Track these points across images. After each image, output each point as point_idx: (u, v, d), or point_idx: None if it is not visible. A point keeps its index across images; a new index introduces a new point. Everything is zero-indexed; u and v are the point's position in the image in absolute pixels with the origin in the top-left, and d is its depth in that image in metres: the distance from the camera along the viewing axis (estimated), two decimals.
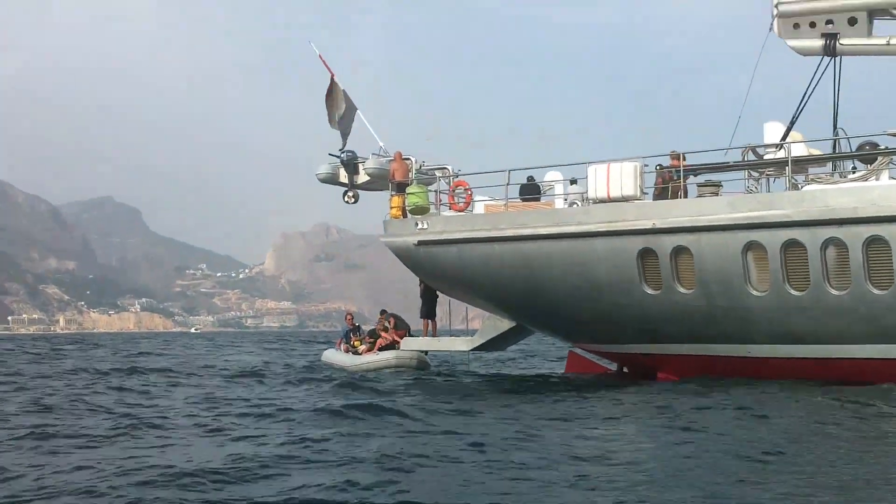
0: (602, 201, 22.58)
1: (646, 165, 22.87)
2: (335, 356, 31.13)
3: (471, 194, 25.57)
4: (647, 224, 21.73)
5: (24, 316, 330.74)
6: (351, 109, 29.03)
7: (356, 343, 30.52)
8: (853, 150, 22.20)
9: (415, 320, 30.38)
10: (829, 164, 23.12)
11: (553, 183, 24.86)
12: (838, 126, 23.30)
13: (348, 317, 33.54)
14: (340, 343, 31.51)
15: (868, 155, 21.39)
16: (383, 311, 31.02)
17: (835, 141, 22.98)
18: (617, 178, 22.23)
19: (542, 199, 25.29)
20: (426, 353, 28.97)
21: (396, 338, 29.21)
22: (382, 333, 29.64)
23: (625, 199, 22.31)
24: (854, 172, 21.80)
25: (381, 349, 29.25)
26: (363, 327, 31.55)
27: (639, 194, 22.33)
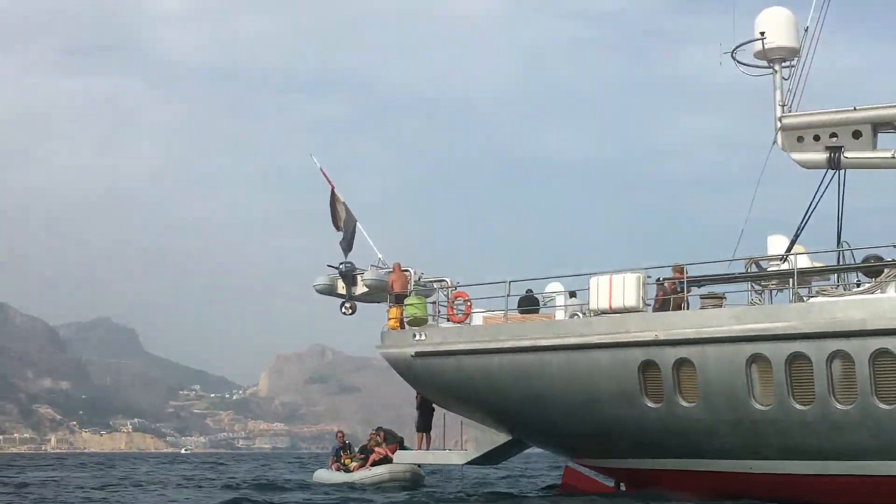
0: (603, 313, 22.29)
1: (648, 277, 22.66)
2: (327, 475, 30.44)
3: (470, 305, 25.34)
4: (650, 336, 21.39)
5: (15, 435, 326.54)
6: (351, 221, 28.98)
7: (346, 461, 29.89)
8: (857, 262, 22.04)
9: (408, 440, 29.83)
10: (833, 278, 22.92)
11: (553, 294, 24.57)
12: (842, 239, 23.13)
13: (339, 434, 33.00)
14: (332, 463, 30.84)
15: (874, 267, 21.21)
16: (377, 428, 30.47)
17: (839, 253, 22.82)
18: (619, 289, 22.00)
19: (542, 311, 25.05)
20: (420, 466, 28.30)
21: (389, 453, 28.59)
22: (376, 448, 29.04)
23: (627, 311, 22.01)
24: (859, 286, 21.60)
25: (374, 464, 28.60)
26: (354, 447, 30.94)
27: (641, 306, 22.05)
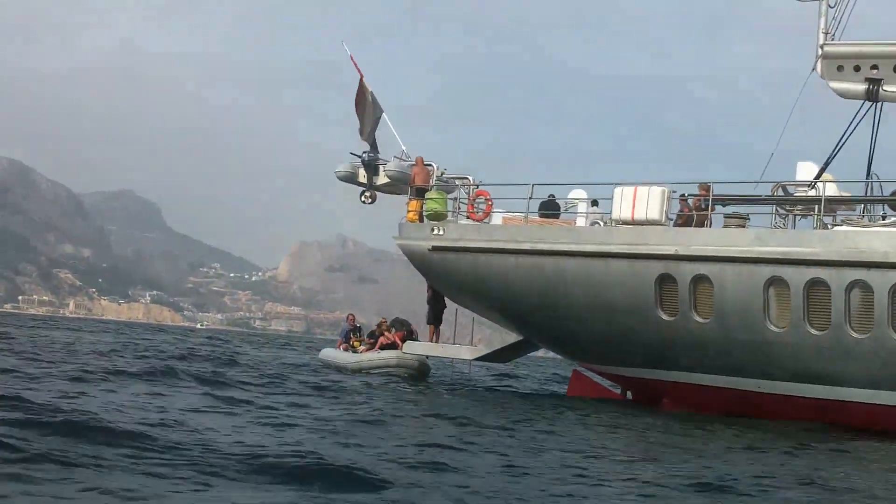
0: (625, 223, 22.11)
1: (673, 192, 22.43)
2: (333, 354, 30.69)
3: (490, 205, 25.17)
4: (670, 249, 21.23)
5: (34, 297, 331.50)
6: (378, 111, 28.66)
7: (355, 343, 30.08)
8: (885, 195, 21.77)
9: (421, 333, 29.93)
10: (859, 209, 22.68)
11: (577, 201, 24.34)
12: (872, 171, 22.98)
13: (350, 316, 33.12)
14: (340, 344, 31.05)
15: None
16: (383, 320, 30.59)
17: (867, 184, 22.57)
18: (643, 201, 21.80)
19: (562, 218, 24.89)
20: (427, 357, 28.49)
21: (397, 339, 28.76)
22: (385, 333, 29.21)
23: (648, 223, 21.83)
24: (884, 219, 21.36)
25: (382, 348, 28.78)
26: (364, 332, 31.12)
27: (663, 219, 21.85)
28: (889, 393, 19.58)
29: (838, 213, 22.07)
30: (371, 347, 29.22)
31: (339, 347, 30.99)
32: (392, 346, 28.76)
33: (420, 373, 28.37)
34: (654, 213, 21.76)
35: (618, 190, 22.39)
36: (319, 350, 34.28)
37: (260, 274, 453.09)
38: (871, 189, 22.50)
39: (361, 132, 28.50)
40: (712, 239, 21.17)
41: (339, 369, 28.66)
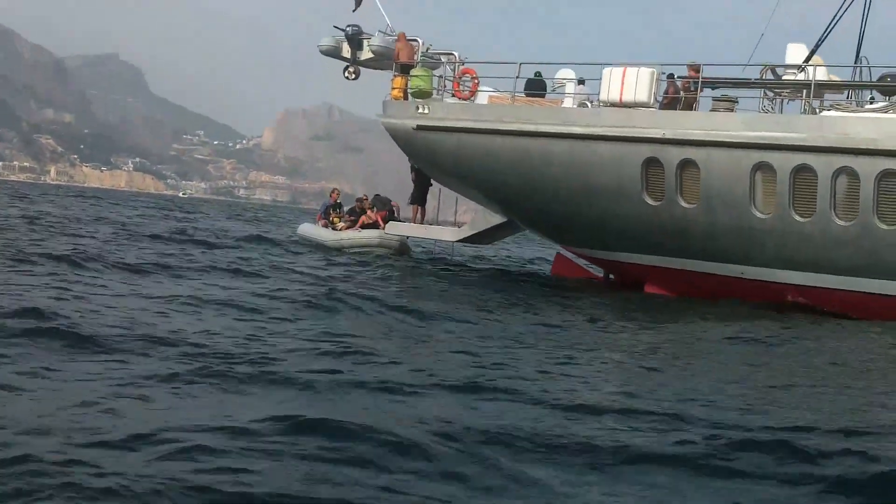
0: (613, 105, 21.77)
1: (663, 74, 22.03)
2: (313, 230, 30.44)
3: (477, 83, 24.76)
4: (657, 133, 20.97)
5: (15, 163, 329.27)
6: None
7: (335, 220, 29.89)
8: (874, 80, 21.46)
9: (405, 211, 29.79)
10: (847, 94, 22.40)
11: (564, 81, 23.91)
12: (861, 55, 22.61)
13: (334, 192, 32.58)
14: (319, 218, 30.82)
15: (890, 87, 20.65)
16: (364, 197, 30.37)
17: (855, 69, 22.25)
18: (632, 82, 21.39)
19: (549, 97, 24.51)
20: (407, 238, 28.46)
21: (380, 219, 28.63)
22: (368, 211, 29.04)
23: (637, 105, 21.50)
24: (872, 103, 21.09)
25: (363, 227, 28.67)
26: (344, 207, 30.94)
27: (652, 101, 21.52)
28: (871, 280, 19.62)
29: (826, 97, 21.79)
30: (351, 224, 29.08)
31: (318, 222, 30.77)
32: (374, 225, 28.65)
33: (400, 253, 28.42)
34: (643, 96, 21.38)
35: (606, 70, 21.95)
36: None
37: (244, 142, 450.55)
38: (861, 74, 22.19)
39: None
40: (700, 123, 20.86)
41: (319, 246, 28.55)
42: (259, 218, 65.39)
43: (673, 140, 20.81)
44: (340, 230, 29.18)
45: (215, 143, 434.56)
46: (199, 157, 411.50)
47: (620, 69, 21.72)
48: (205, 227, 37.66)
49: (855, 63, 22.42)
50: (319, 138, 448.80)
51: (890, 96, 20.82)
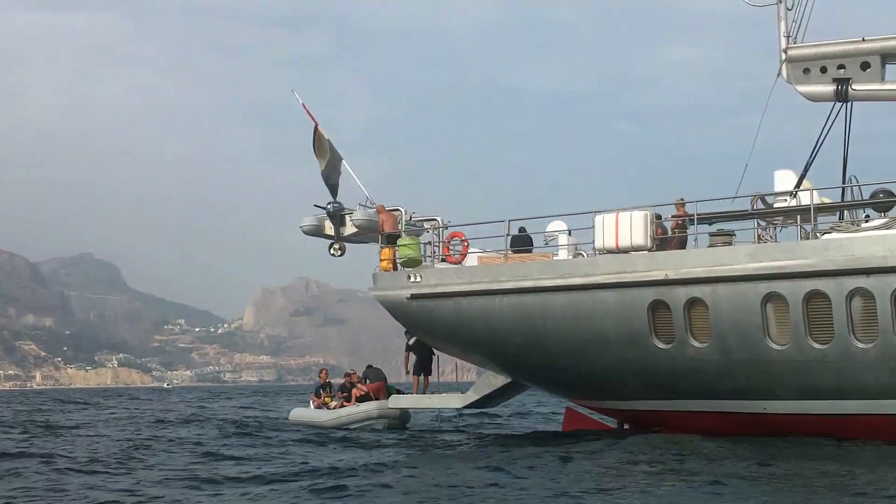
0: (609, 252, 21.34)
1: (658, 217, 21.72)
2: (307, 413, 29.50)
3: (467, 245, 24.38)
4: (660, 275, 20.49)
5: (0, 372, 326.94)
6: (336, 159, 27.82)
7: (327, 399, 29.13)
8: (864, 197, 21.21)
9: (393, 374, 29.20)
10: (838, 214, 22.14)
11: (556, 234, 23.52)
12: (850, 173, 22.54)
13: (323, 372, 32.09)
14: (313, 398, 29.95)
15: (885, 202, 20.40)
16: (352, 372, 29.75)
17: (844, 189, 22.09)
18: (626, 227, 21.05)
19: (541, 251, 24.11)
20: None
21: (371, 390, 27.91)
22: (358, 385, 28.37)
23: (634, 250, 21.09)
24: (867, 221, 20.79)
25: (358, 399, 27.89)
26: (334, 383, 30.22)
27: (649, 244, 21.12)
28: None
29: (819, 221, 21.46)
30: (346, 402, 28.29)
31: (312, 403, 29.86)
32: (367, 397, 27.90)
33: (401, 422, 27.67)
34: (639, 239, 21.01)
35: (598, 218, 21.62)
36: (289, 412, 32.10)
37: (226, 325, 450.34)
38: (852, 192, 21.98)
39: (326, 179, 27.59)
40: (702, 260, 20.42)
41: (317, 428, 27.38)
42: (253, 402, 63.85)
43: (677, 280, 20.32)
44: (334, 409, 28.37)
45: (197, 329, 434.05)
46: (182, 345, 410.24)
47: (613, 215, 21.41)
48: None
49: (843, 181, 22.24)
50: (300, 313, 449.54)
51: (885, 212, 20.57)
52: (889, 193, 20.63)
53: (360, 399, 28.04)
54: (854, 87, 22.71)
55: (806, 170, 22.61)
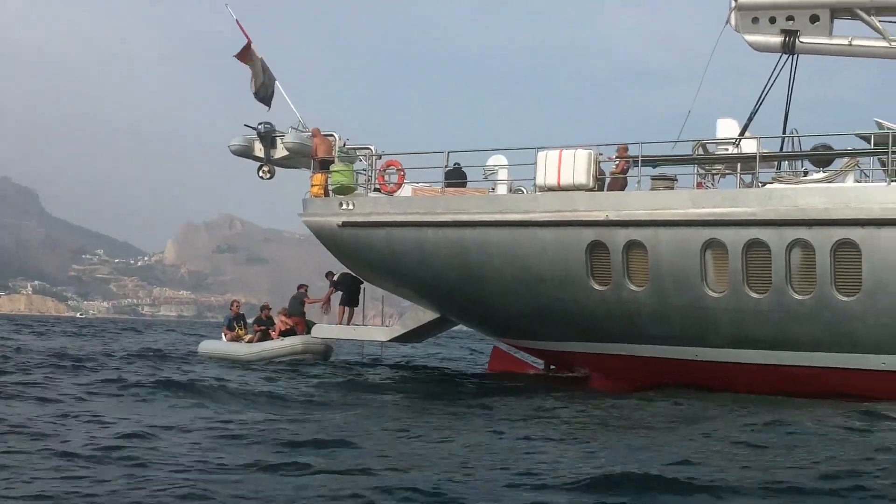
0: (551, 189, 20.84)
1: (600, 154, 21.23)
2: (222, 346, 28.43)
3: (403, 175, 23.68)
4: (601, 216, 20.05)
5: None
6: (269, 79, 26.83)
7: (240, 333, 28.30)
8: (804, 150, 21.06)
9: (317, 317, 28.58)
10: (776, 165, 21.94)
11: (496, 168, 22.91)
12: (791, 126, 22.43)
13: (235, 304, 31.25)
14: (226, 332, 29.01)
15: (825, 155, 20.16)
16: (266, 306, 29.06)
17: (784, 140, 21.95)
18: (569, 165, 20.57)
19: (478, 186, 23.53)
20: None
21: (291, 323, 27.29)
22: (281, 318, 27.65)
23: (576, 189, 20.62)
24: (806, 174, 20.60)
25: (282, 334, 27.23)
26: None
27: (592, 184, 20.65)
28: (832, 355, 18.77)
29: (759, 171, 21.22)
30: (263, 336, 27.56)
31: (224, 337, 29.00)
32: (291, 331, 27.24)
33: (324, 357, 27.17)
34: (582, 178, 20.55)
35: (541, 154, 21.09)
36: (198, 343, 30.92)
37: (146, 258, 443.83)
38: (792, 144, 21.79)
39: (256, 95, 26.57)
40: (645, 202, 20.03)
41: (234, 362, 26.32)
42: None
43: (618, 221, 19.91)
44: (249, 342, 27.59)
45: (116, 261, 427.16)
46: (100, 276, 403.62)
47: (556, 152, 20.90)
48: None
49: (783, 133, 22.11)
50: (222, 250, 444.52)
51: (825, 166, 20.39)
52: (829, 148, 20.43)
53: (284, 333, 27.37)
54: (801, 39, 22.56)
55: (750, 120, 22.49)
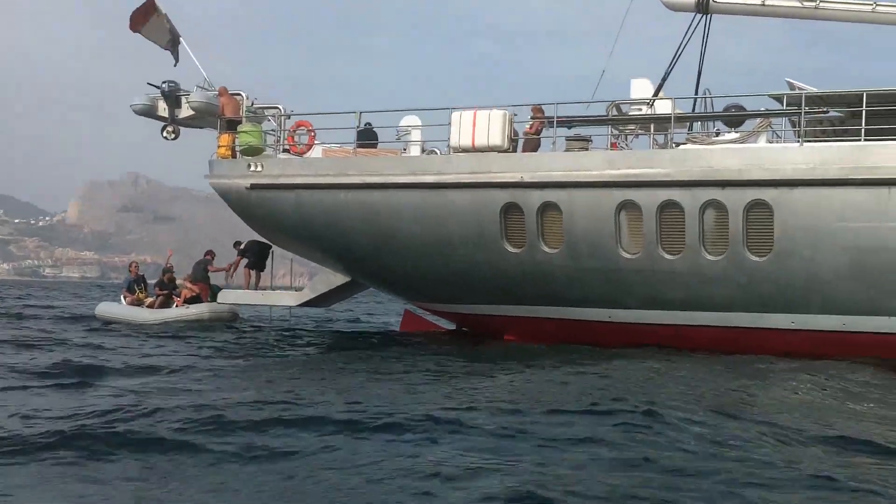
0: (465, 151, 20.51)
1: (515, 115, 20.93)
2: (120, 310, 27.56)
3: (314, 136, 23.12)
4: (515, 177, 19.81)
5: None
6: (174, 35, 25.97)
7: (141, 296, 27.53)
8: (717, 111, 21.04)
9: (218, 279, 28.03)
10: (688, 126, 21.90)
11: (409, 128, 22.47)
12: (704, 87, 22.39)
13: (133, 266, 30.19)
14: (125, 295, 28.18)
15: (736, 116, 20.17)
16: (168, 267, 28.35)
17: (698, 101, 21.99)
18: (484, 125, 20.21)
19: (390, 147, 23.10)
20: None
21: (197, 290, 26.72)
22: (188, 284, 27.04)
23: (491, 150, 20.32)
24: (718, 135, 20.60)
25: (188, 301, 26.60)
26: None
27: (507, 145, 20.36)
28: (744, 315, 18.88)
29: (671, 131, 21.16)
30: (165, 301, 26.89)
31: (123, 300, 28.23)
32: (197, 298, 26.67)
33: (232, 321, 26.68)
34: (497, 139, 20.23)
35: (455, 115, 20.71)
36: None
37: (48, 218, 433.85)
38: (704, 105, 21.78)
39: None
40: (560, 164, 19.82)
41: (137, 328, 25.20)
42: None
43: (533, 183, 19.69)
44: (150, 306, 26.87)
45: (17, 221, 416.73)
46: (0, 237, 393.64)
47: (471, 112, 20.54)
48: None
49: (695, 93, 22.09)
50: (127, 209, 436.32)
51: (736, 127, 20.42)
52: (741, 108, 20.43)
53: (190, 301, 26.75)
54: None
55: (663, 80, 22.37)
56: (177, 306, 26.76)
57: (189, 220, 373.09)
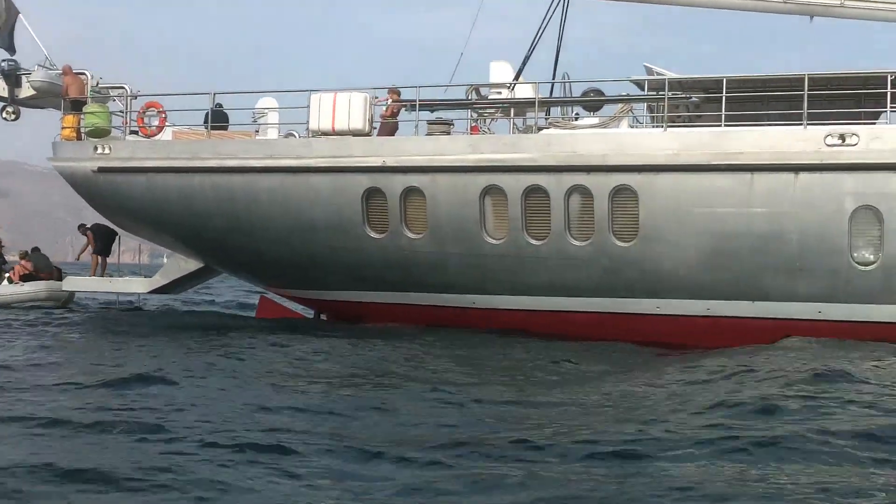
0: (325, 134, 19.96)
1: (376, 98, 20.46)
2: None
3: (164, 117, 22.18)
4: (377, 161, 19.37)
5: None
6: (12, 12, 24.58)
7: None
8: (574, 95, 20.96)
9: (61, 255, 26.85)
10: (546, 110, 21.84)
11: (266, 111, 21.76)
12: (562, 71, 22.27)
13: None
14: None
15: (610, 101, 20.21)
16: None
17: (556, 85, 21.82)
18: (344, 108, 19.72)
19: (242, 129, 22.37)
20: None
21: (30, 268, 25.85)
22: (22, 262, 25.95)
23: (352, 134, 19.82)
24: (577, 119, 20.59)
25: (23, 278, 25.47)
26: None
27: (367, 129, 19.92)
28: (609, 300, 18.93)
29: (530, 116, 21.04)
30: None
31: None
32: (32, 276, 25.74)
33: (68, 303, 26.03)
34: (358, 123, 19.76)
35: (315, 97, 20.15)
36: None
37: None
38: (563, 90, 21.71)
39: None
40: (423, 148, 19.49)
41: None
42: None
43: (396, 168, 19.30)
44: None
45: None
46: None
47: (330, 95, 20.01)
48: None
49: (553, 77, 21.88)
50: None
51: (595, 111, 20.44)
52: (600, 93, 20.44)
53: (25, 278, 25.60)
54: None
55: (524, 63, 22.21)
56: (10, 282, 25.65)
57: (23, 195, 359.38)
